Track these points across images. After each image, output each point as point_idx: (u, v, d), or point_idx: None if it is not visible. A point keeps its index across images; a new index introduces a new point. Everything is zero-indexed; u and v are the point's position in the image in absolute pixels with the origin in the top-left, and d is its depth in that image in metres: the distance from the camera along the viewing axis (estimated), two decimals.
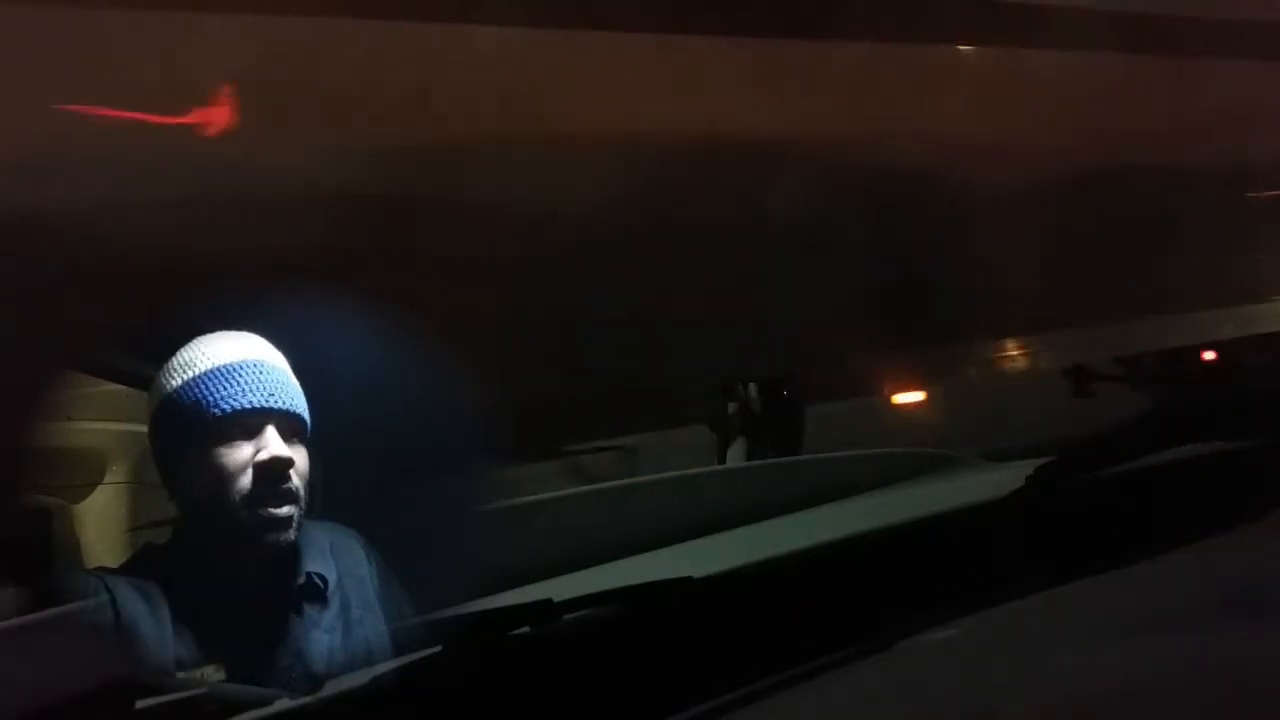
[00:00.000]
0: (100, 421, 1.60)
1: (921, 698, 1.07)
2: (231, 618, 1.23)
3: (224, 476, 1.22)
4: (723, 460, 2.96)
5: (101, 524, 1.55)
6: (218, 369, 1.24)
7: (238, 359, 1.25)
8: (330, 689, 1.07)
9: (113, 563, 1.29)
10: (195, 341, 1.28)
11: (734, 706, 1.02)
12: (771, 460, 2.69)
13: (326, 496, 1.37)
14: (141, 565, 1.25)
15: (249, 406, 1.23)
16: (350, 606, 1.31)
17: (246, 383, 1.24)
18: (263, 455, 1.21)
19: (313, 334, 1.39)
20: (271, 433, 1.23)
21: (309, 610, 1.28)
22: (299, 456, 1.25)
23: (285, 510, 1.22)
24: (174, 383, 1.26)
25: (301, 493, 1.24)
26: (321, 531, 1.34)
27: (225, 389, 1.23)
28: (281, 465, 1.22)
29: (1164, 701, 1.04)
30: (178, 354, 1.27)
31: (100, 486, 1.60)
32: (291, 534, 1.23)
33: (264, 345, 1.29)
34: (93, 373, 1.57)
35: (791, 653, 1.09)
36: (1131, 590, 1.29)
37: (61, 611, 1.21)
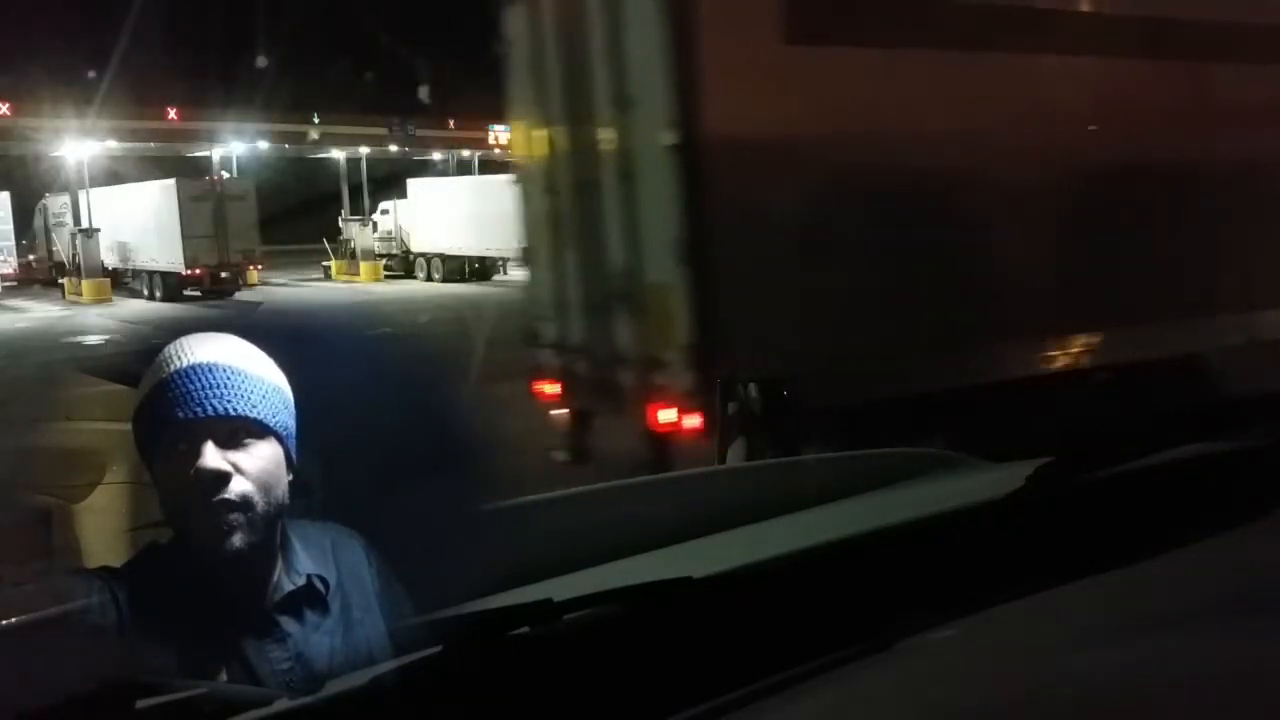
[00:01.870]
0: (100, 421, 1.60)
1: (921, 698, 1.07)
2: (229, 619, 1.23)
3: (174, 488, 1.23)
4: (723, 460, 2.96)
5: (101, 524, 1.55)
6: (158, 384, 1.25)
7: (172, 370, 1.25)
8: (330, 689, 1.07)
9: (113, 562, 1.29)
10: (164, 349, 1.28)
11: (734, 706, 1.02)
12: (771, 460, 2.68)
13: (327, 496, 1.37)
14: (144, 565, 1.25)
15: (178, 419, 1.23)
16: (351, 608, 1.30)
17: (176, 395, 1.23)
18: (192, 470, 1.21)
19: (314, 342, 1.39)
20: (207, 445, 1.22)
21: (309, 613, 1.28)
22: (251, 459, 1.24)
23: (228, 518, 1.21)
24: (140, 395, 1.27)
25: (254, 496, 1.23)
26: (322, 532, 1.33)
27: (161, 405, 1.24)
28: (210, 477, 1.21)
29: (1164, 701, 1.04)
30: (150, 365, 1.28)
31: (100, 486, 1.59)
32: (238, 540, 1.22)
33: (212, 346, 1.28)
34: (93, 372, 1.57)
35: (791, 653, 1.09)
36: (1131, 590, 1.29)
37: (63, 611, 1.21)
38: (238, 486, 1.22)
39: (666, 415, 5.49)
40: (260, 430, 1.26)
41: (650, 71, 5.16)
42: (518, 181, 7.10)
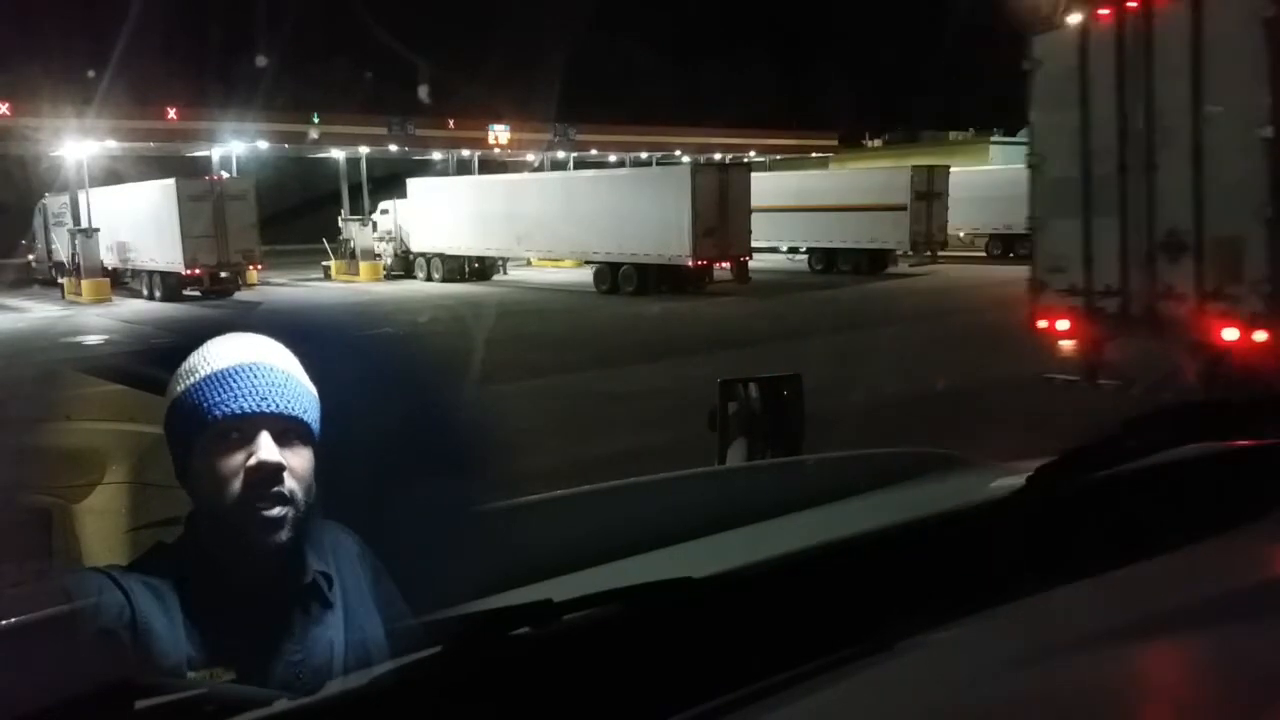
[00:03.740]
0: (100, 421, 1.60)
1: (922, 698, 1.07)
2: (240, 617, 1.23)
3: (221, 478, 1.23)
4: (723, 460, 2.96)
5: (101, 524, 1.55)
6: (215, 374, 1.26)
7: (233, 363, 1.27)
8: (330, 689, 1.07)
9: (115, 561, 1.29)
10: (205, 344, 1.29)
11: (734, 706, 1.02)
12: (771, 460, 2.68)
13: (330, 496, 1.38)
14: (152, 564, 1.25)
15: (239, 412, 1.24)
16: (351, 604, 1.31)
17: (239, 387, 1.25)
18: (252, 460, 1.23)
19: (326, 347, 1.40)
20: (264, 437, 1.24)
21: (314, 609, 1.29)
22: (297, 458, 1.26)
23: (277, 512, 1.23)
24: (179, 387, 1.28)
25: (299, 494, 1.25)
26: (320, 530, 1.34)
27: (220, 394, 1.25)
28: (270, 470, 1.23)
29: (1164, 701, 1.04)
30: (188, 357, 1.29)
31: (100, 486, 1.59)
32: (283, 535, 1.24)
33: (267, 347, 1.30)
34: (93, 372, 1.57)
35: (791, 653, 1.09)
36: (1131, 590, 1.29)
37: (62, 611, 1.21)
38: (289, 482, 1.25)
39: (1230, 333, 8.73)
40: (306, 434, 1.29)
41: (1242, 88, 8.56)
42: (1034, 168, 10.31)
